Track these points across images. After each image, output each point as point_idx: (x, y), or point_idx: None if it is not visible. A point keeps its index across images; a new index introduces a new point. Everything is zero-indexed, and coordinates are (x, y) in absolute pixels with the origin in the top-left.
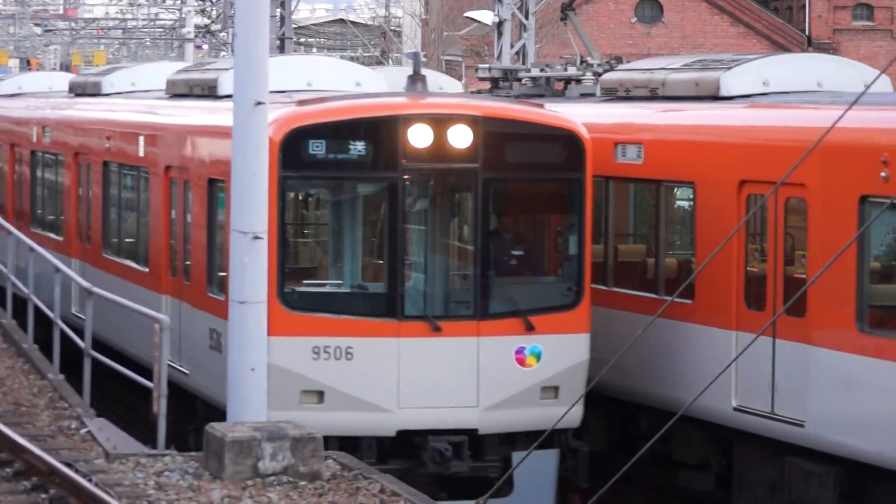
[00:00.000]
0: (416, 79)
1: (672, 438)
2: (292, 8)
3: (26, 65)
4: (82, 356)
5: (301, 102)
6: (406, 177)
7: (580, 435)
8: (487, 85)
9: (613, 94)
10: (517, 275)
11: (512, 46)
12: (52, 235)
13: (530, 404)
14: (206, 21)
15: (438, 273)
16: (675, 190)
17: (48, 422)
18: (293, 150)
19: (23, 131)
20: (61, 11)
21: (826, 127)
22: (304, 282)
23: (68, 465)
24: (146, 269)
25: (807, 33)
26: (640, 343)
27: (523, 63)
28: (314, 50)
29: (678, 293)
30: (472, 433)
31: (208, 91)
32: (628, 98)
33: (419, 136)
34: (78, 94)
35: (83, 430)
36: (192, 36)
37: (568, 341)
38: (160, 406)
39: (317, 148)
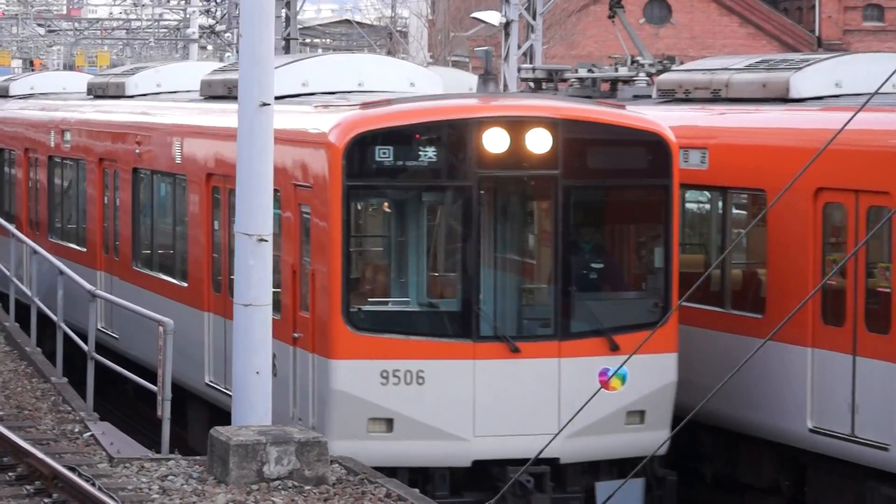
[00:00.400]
0: (487, 78)
1: (739, 460)
2: (298, 8)
3: (29, 66)
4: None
5: (365, 105)
6: (481, 185)
7: (667, 462)
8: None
9: (671, 96)
10: (599, 290)
11: (519, 47)
12: (75, 246)
13: (615, 430)
14: (211, 21)
15: (515, 289)
16: (744, 197)
17: (51, 425)
18: (358, 156)
19: (39, 135)
20: (65, 12)
21: None
22: (370, 300)
23: (71, 469)
24: (184, 284)
25: (817, 34)
26: (705, 359)
27: (530, 63)
28: (319, 50)
29: (746, 306)
30: (553, 462)
31: None
32: (688, 100)
33: (495, 141)
34: (98, 97)
35: (86, 434)
36: (196, 36)
37: (655, 362)
38: (164, 410)
39: (384, 154)
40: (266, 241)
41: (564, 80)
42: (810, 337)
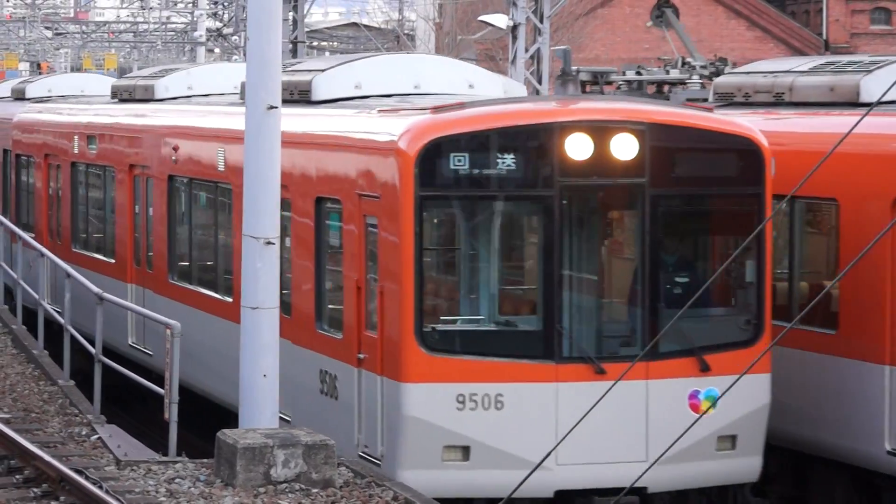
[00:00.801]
0: (566, 79)
1: (809, 482)
2: (305, 11)
3: (37, 69)
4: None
5: (437, 109)
6: (563, 194)
7: (759, 490)
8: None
9: (729, 100)
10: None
11: (526, 51)
12: (102, 257)
13: (705, 457)
14: (218, 24)
15: (599, 306)
16: (814, 206)
17: (58, 428)
18: (431, 164)
19: (61, 141)
20: (72, 15)
21: None
22: (445, 318)
23: (79, 471)
24: (230, 300)
25: (824, 37)
26: (773, 378)
27: (538, 68)
28: (326, 53)
29: (817, 322)
30: (641, 492)
31: (299, 95)
32: (748, 104)
33: (578, 147)
34: (124, 100)
35: (94, 437)
36: (203, 39)
37: (747, 383)
38: (171, 412)
39: (458, 162)
40: (273, 243)
41: (610, 83)
42: (888, 354)
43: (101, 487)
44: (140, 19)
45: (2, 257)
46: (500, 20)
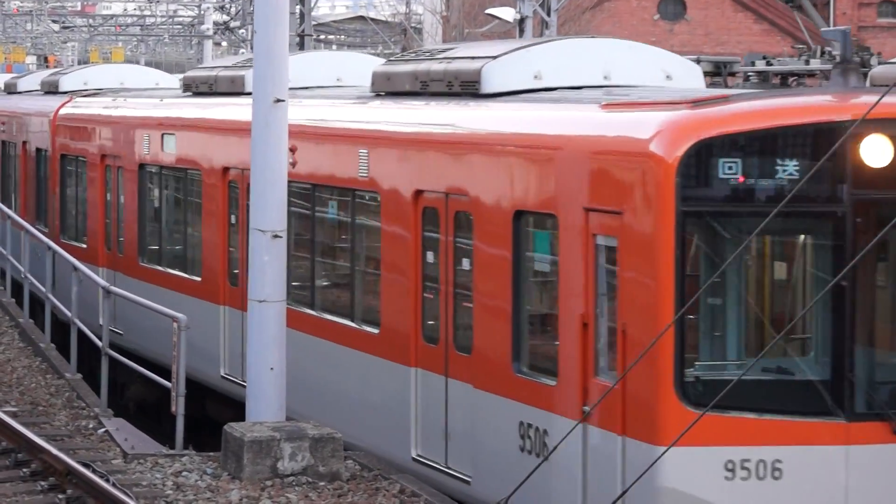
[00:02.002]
0: (847, 68)
1: None
2: (312, 5)
3: (44, 62)
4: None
5: (697, 103)
6: (856, 211)
7: None
8: None
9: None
10: None
11: None
12: (186, 275)
13: None
14: (225, 18)
15: None
16: None
17: (66, 421)
18: (695, 172)
19: (123, 140)
20: (79, 8)
21: None
22: (708, 364)
23: (86, 465)
24: (375, 332)
25: None
26: None
27: None
28: (333, 47)
29: None
30: None
31: (462, 87)
32: None
33: (875, 153)
34: (201, 93)
35: (101, 430)
36: (210, 33)
37: None
38: (178, 406)
39: (729, 170)
40: (280, 237)
41: (733, 74)
42: None
43: (108, 480)
44: (147, 13)
45: (9, 250)
46: (508, 13)
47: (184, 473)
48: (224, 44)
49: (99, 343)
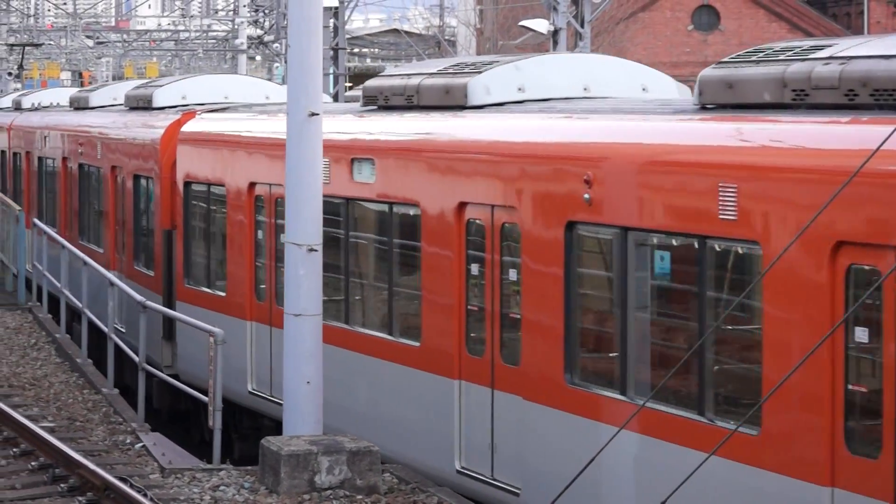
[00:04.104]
0: None
1: None
2: (346, 18)
3: (78, 77)
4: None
5: None
6: None
7: None
8: None
9: None
10: None
11: None
12: (382, 336)
13: None
14: (259, 32)
15: None
16: None
17: (103, 436)
18: None
19: (271, 163)
20: (113, 23)
21: None
22: None
23: (123, 479)
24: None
25: None
26: None
27: None
28: (368, 60)
29: None
30: None
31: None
32: None
33: None
34: (388, 107)
35: (138, 445)
36: (244, 47)
37: None
38: (215, 420)
39: None
40: (316, 251)
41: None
42: None
43: (145, 495)
44: (181, 27)
45: (45, 266)
46: (541, 25)
47: (221, 488)
48: (258, 58)
49: (136, 358)
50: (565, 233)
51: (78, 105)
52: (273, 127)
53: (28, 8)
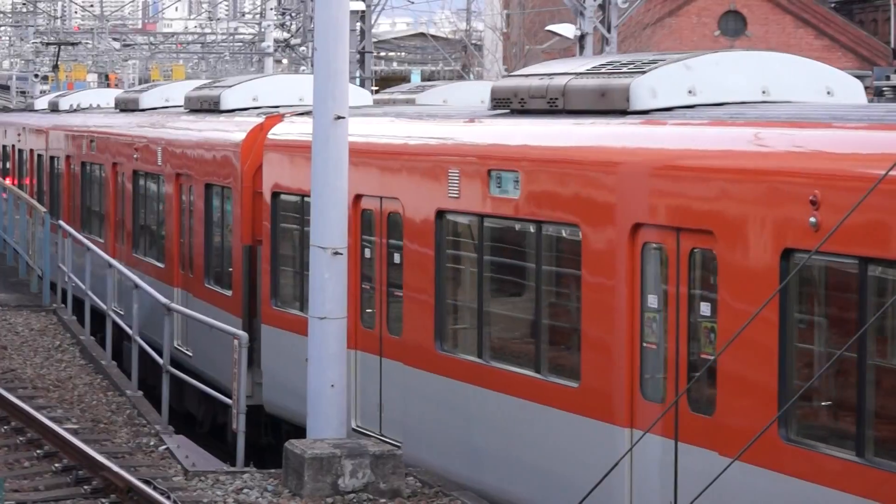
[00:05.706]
0: None
1: None
2: (372, 22)
3: (104, 80)
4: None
5: None
6: None
7: None
8: None
9: None
10: None
11: None
12: (521, 371)
13: None
14: (286, 35)
15: None
16: None
17: (126, 438)
18: None
19: (397, 176)
20: (140, 26)
21: None
22: None
23: (147, 482)
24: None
25: (892, 46)
26: None
27: None
28: (394, 64)
29: None
30: None
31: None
32: None
33: None
34: (525, 112)
35: (162, 447)
36: (271, 50)
37: None
38: (239, 423)
39: None
40: (340, 254)
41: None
42: None
43: (169, 498)
44: (208, 30)
45: (70, 268)
46: (568, 30)
47: (245, 490)
48: (284, 61)
49: (160, 360)
50: (780, 261)
51: (125, 107)
52: (383, 130)
53: (55, 10)
